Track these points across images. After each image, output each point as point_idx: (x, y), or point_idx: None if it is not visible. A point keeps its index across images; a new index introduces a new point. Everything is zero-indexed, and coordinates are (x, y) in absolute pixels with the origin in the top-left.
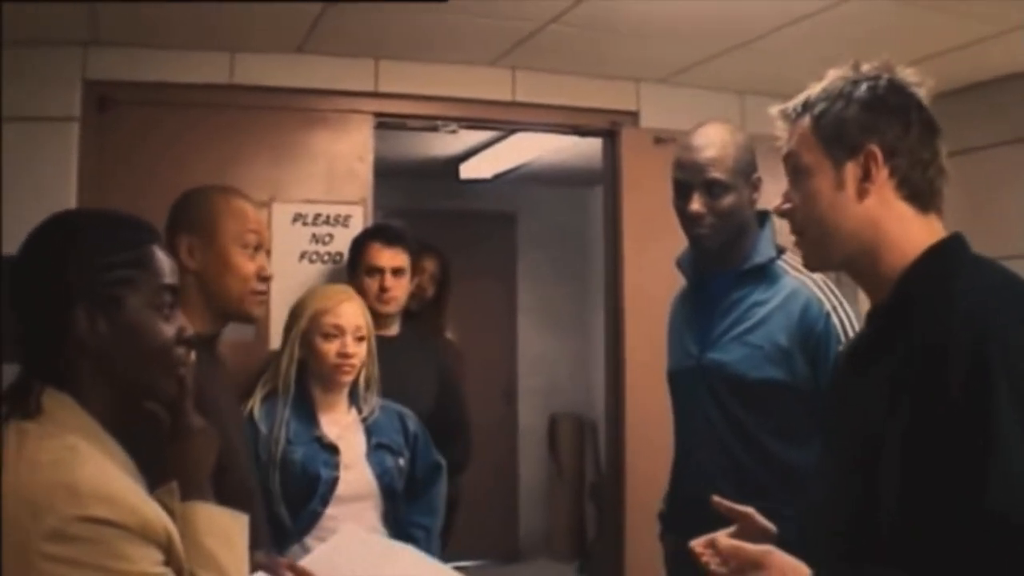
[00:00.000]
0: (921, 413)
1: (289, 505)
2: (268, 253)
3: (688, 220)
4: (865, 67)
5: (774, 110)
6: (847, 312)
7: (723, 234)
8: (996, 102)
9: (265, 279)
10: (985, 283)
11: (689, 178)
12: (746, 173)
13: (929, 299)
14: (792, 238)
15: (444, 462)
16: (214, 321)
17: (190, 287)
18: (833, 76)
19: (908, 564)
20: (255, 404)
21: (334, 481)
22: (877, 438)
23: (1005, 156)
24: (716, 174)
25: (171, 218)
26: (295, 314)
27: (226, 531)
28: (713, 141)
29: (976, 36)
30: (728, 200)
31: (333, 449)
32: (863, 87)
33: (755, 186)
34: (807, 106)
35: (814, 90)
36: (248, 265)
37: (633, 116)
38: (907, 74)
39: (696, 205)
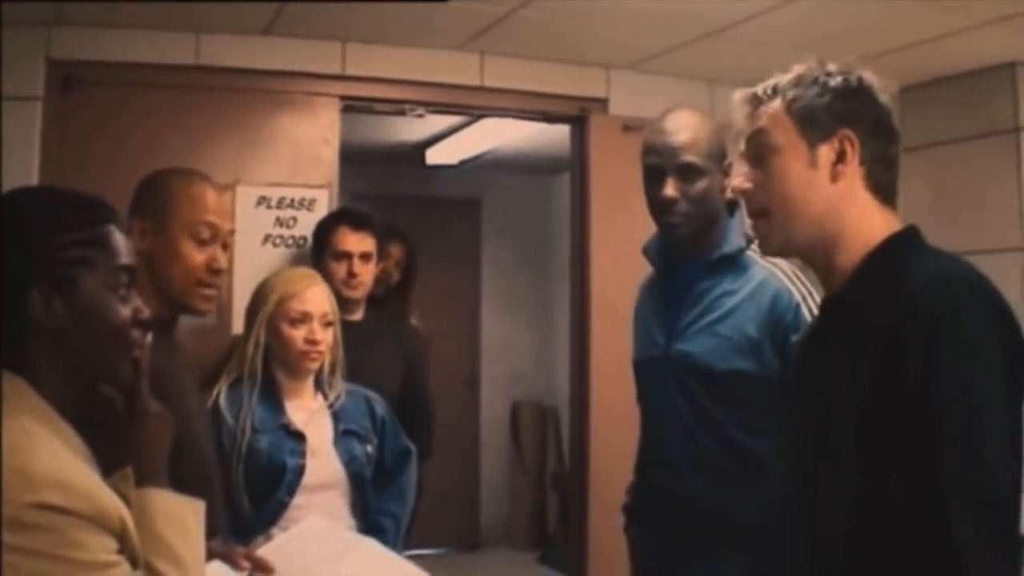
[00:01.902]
0: (877, 406)
1: (256, 495)
2: (226, 246)
3: (660, 206)
4: (830, 65)
5: (738, 93)
6: (817, 303)
7: (696, 222)
8: (969, 95)
9: (216, 271)
10: (942, 275)
11: (662, 162)
12: (718, 158)
13: (885, 290)
14: None
15: (413, 448)
16: (168, 306)
17: (141, 271)
18: (800, 68)
19: (871, 552)
20: (221, 392)
21: (300, 469)
22: (833, 429)
23: (977, 149)
24: (690, 158)
25: (132, 200)
26: (259, 298)
27: (181, 518)
28: (685, 125)
29: (950, 28)
30: (702, 185)
31: (299, 437)
32: (837, 78)
33: (726, 172)
34: (777, 90)
35: (783, 78)
36: (196, 256)
37: (602, 103)
38: (872, 78)
39: (670, 190)
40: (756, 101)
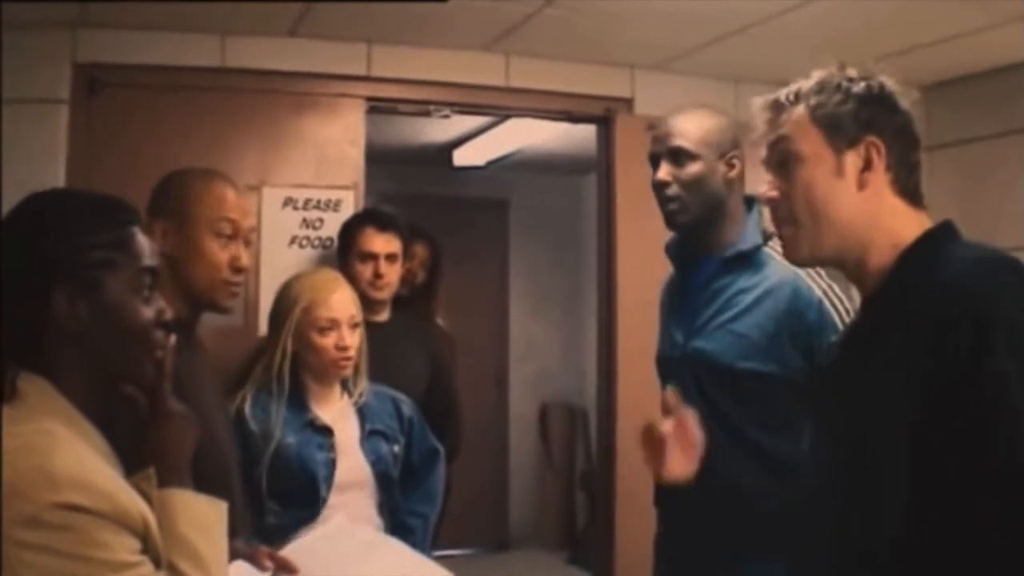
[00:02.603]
0: (926, 400)
1: (290, 495)
2: (248, 243)
3: (656, 193)
4: (850, 70)
5: (759, 100)
6: (839, 296)
7: (694, 209)
8: (993, 93)
9: (239, 269)
10: (982, 261)
11: (658, 149)
12: (717, 147)
13: (926, 284)
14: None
15: (442, 448)
16: (189, 307)
17: (163, 272)
18: (821, 74)
19: (923, 553)
20: (246, 399)
21: (331, 463)
22: (881, 429)
23: (1001, 148)
24: (680, 142)
25: (150, 200)
26: (284, 306)
27: (204, 518)
28: (684, 116)
29: (974, 25)
30: (694, 168)
31: (326, 431)
32: (861, 84)
33: (730, 164)
34: (800, 96)
35: (805, 83)
36: (220, 254)
37: (627, 103)
38: (892, 84)
39: (661, 173)
40: (778, 107)
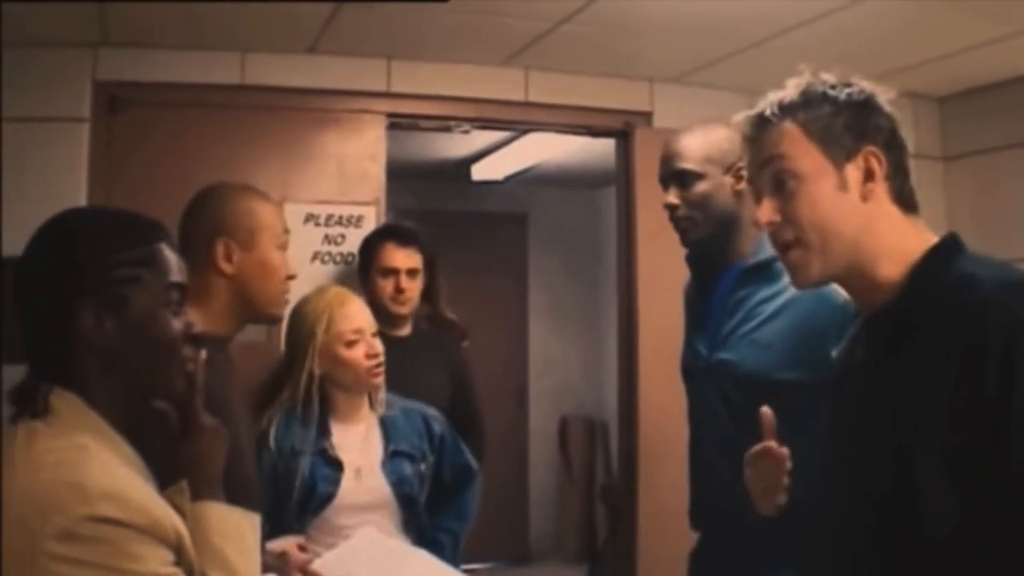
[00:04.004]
0: (962, 422)
1: (294, 515)
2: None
3: (669, 215)
4: (825, 76)
5: (739, 116)
6: None
7: (705, 225)
8: (1008, 104)
9: (291, 277)
10: (1011, 282)
11: (664, 172)
12: (722, 161)
13: (951, 300)
14: None
15: (477, 466)
16: (236, 323)
17: (219, 289)
18: (800, 83)
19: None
20: (272, 424)
21: (329, 496)
22: (909, 451)
23: (1016, 159)
24: (684, 164)
25: (207, 220)
26: (303, 331)
27: (237, 530)
28: (687, 135)
29: (988, 37)
30: (700, 188)
31: (336, 464)
32: (845, 92)
33: (738, 176)
34: (785, 109)
35: (785, 95)
36: (283, 266)
37: (647, 116)
38: (874, 87)
39: (670, 197)
40: (764, 123)
